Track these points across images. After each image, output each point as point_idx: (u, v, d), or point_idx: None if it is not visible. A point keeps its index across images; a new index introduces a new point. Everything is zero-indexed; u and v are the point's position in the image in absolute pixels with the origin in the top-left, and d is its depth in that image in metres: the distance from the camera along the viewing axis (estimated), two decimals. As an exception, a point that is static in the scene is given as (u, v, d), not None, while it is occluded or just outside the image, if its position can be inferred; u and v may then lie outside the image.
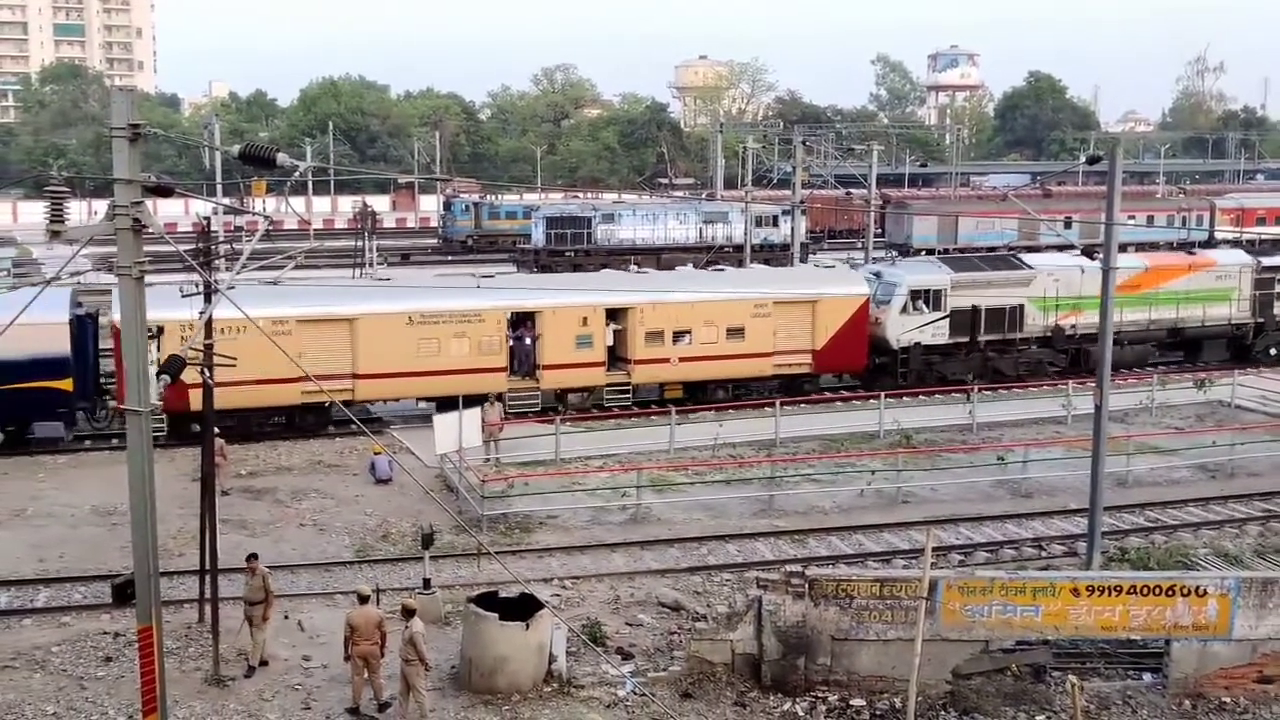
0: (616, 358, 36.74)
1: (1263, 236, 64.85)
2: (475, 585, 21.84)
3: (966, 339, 40.64)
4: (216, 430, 22.01)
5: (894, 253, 73.55)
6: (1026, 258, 43.83)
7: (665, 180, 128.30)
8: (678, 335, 36.69)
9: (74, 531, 25.63)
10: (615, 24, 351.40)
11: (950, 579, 18.60)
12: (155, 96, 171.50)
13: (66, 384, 31.24)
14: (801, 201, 56.62)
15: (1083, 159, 38.83)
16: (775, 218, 72.78)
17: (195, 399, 29.96)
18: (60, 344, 30.92)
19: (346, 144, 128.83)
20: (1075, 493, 28.25)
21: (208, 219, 29.57)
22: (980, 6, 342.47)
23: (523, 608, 18.23)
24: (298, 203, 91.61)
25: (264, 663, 18.94)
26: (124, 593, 12.27)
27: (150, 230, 11.70)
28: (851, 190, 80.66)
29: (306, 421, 33.67)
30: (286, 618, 20.70)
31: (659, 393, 37.25)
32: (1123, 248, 59.58)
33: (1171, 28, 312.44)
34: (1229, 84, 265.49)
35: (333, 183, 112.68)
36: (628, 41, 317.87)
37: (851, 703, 18.05)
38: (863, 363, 39.49)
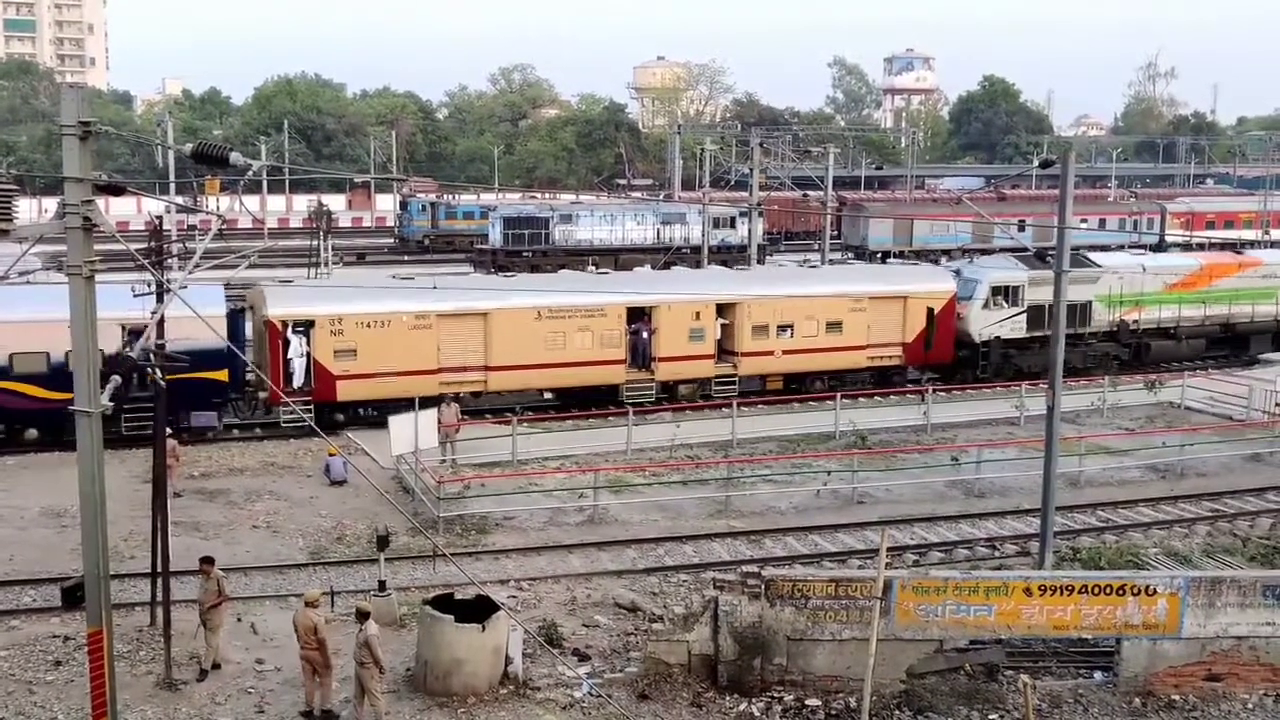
0: (723, 351, 38.40)
1: (1211, 240, 65.87)
2: (431, 587, 21.76)
3: (1041, 333, 41.89)
4: (169, 431, 21.77)
5: (850, 254, 74.04)
6: (1094, 256, 45.53)
7: (623, 181, 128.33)
8: (781, 329, 38.60)
9: (23, 534, 25.28)
10: (573, 24, 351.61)
11: (905, 579, 18.73)
12: (107, 94, 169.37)
13: (223, 375, 32.15)
14: (759, 203, 56.84)
15: (1036, 163, 39.61)
16: (733, 219, 72.98)
17: (343, 390, 32.83)
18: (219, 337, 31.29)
19: (302, 142, 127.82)
20: (1028, 493, 28.52)
21: (160, 218, 29.32)
22: (935, 9, 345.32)
23: (479, 609, 18.18)
24: (252, 202, 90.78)
25: (216, 666, 18.76)
26: (74, 596, 12.18)
27: (101, 229, 11.59)
28: (808, 192, 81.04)
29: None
30: (240, 620, 20.53)
31: (761, 384, 38.97)
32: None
33: (1124, 33, 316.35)
34: (1180, 89, 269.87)
35: (287, 182, 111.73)
36: (586, 42, 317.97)
37: (807, 703, 18.13)
38: (950, 355, 41.36)
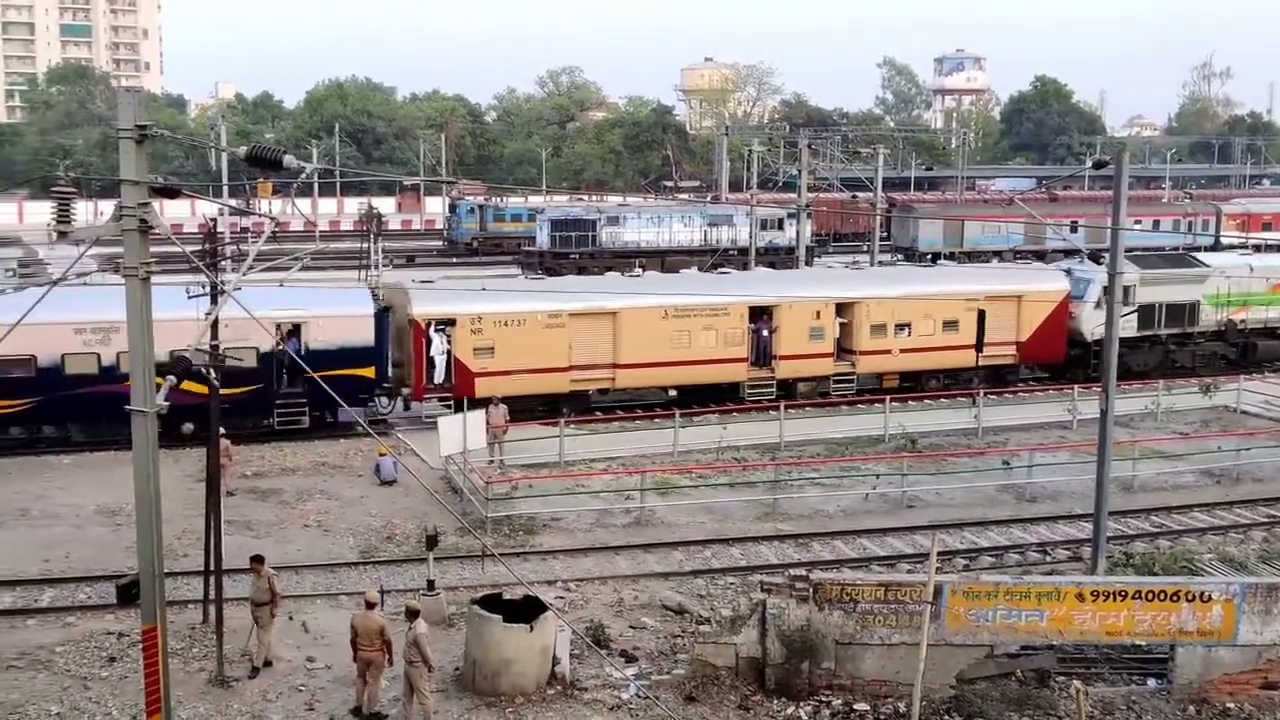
0: (842, 349, 38.97)
1: (1268, 242, 64.77)
2: (479, 587, 21.82)
3: (1150, 333, 42.72)
4: (223, 430, 22.01)
5: (899, 256, 73.54)
6: (1201, 256, 45.86)
7: (670, 183, 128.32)
8: (899, 328, 39.09)
9: (79, 532, 25.66)
10: (621, 26, 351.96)
11: (955, 583, 18.58)
12: (161, 97, 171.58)
13: (370, 372, 33.40)
14: (807, 204, 56.62)
15: (1089, 163, 39.64)
16: (780, 220, 72.72)
17: (481, 386, 34.00)
18: (367, 335, 33.31)
19: (352, 146, 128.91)
20: (1080, 498, 28.18)
21: (214, 220, 29.75)
22: (986, 8, 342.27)
23: (527, 610, 18.23)
24: (303, 204, 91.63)
25: (268, 663, 18.94)
26: (129, 593, 12.33)
27: (157, 231, 11.73)
28: (857, 193, 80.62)
29: (572, 408, 35.46)
30: (291, 619, 20.71)
31: (878, 382, 39.50)
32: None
33: (1178, 32, 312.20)
34: (1235, 89, 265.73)
35: (338, 184, 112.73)
36: (633, 44, 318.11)
37: (855, 707, 18.02)
38: (1063, 354, 41.63)
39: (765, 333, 37.79)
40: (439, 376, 34.45)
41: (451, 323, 34.26)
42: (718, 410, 36.44)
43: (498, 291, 37.85)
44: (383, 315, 34.30)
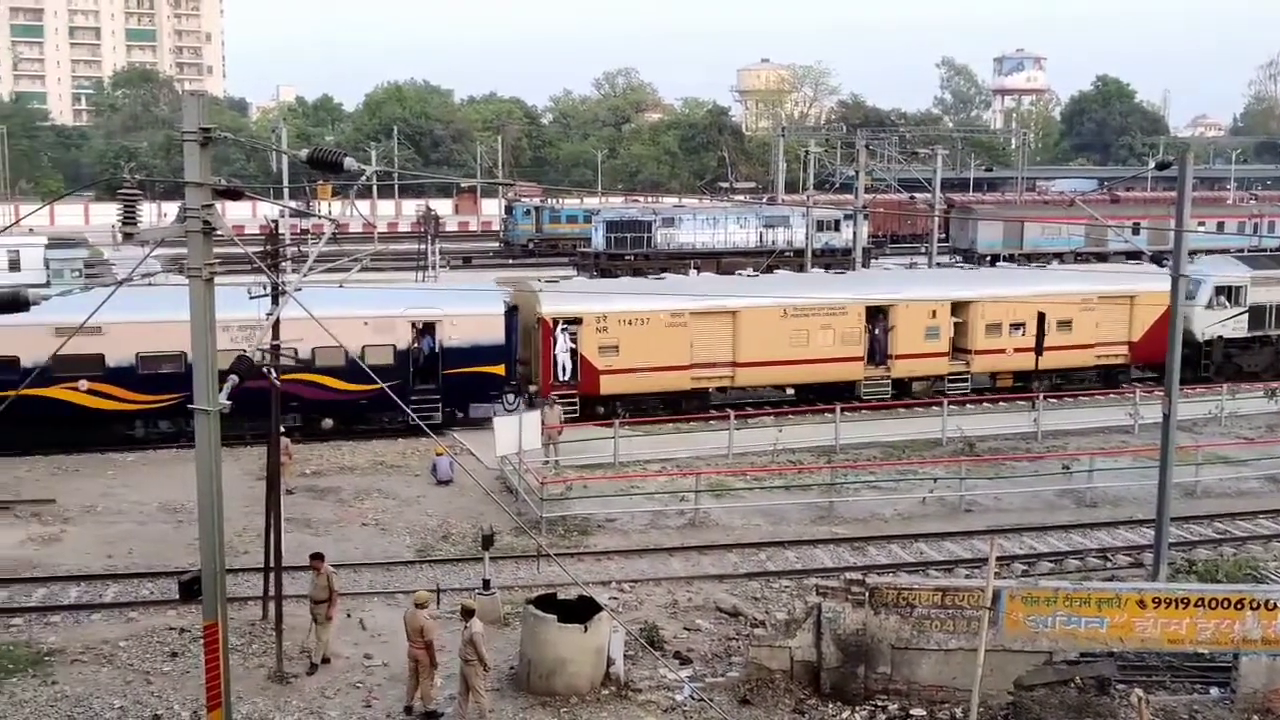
0: (956, 348, 39.28)
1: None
2: (534, 587, 21.94)
3: (1260, 333, 42.65)
4: (283, 430, 22.27)
5: (958, 258, 72.85)
6: None
7: (726, 184, 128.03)
8: (1014, 327, 39.13)
9: (142, 528, 26.08)
10: (677, 27, 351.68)
11: (1014, 589, 18.37)
12: (224, 101, 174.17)
13: (500, 369, 34.57)
14: (864, 206, 56.26)
15: (1152, 164, 39.33)
16: (837, 222, 72.30)
17: (605, 384, 35.12)
18: (498, 333, 34.44)
19: (410, 148, 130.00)
20: (1141, 503, 27.80)
21: (275, 222, 30.14)
22: (1046, 7, 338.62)
23: (581, 610, 18.28)
24: (362, 206, 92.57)
25: (326, 660, 19.14)
26: (191, 589, 12.48)
27: (220, 233, 11.88)
28: (915, 195, 79.96)
29: (692, 406, 36.37)
30: (349, 616, 20.91)
31: (991, 381, 39.81)
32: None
33: (1244, 31, 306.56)
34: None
35: (396, 186, 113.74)
36: (690, 45, 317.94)
37: (912, 712, 17.88)
38: None
39: (881, 332, 38.23)
40: (564, 374, 35.27)
41: (578, 321, 35.06)
42: (773, 412, 36.35)
43: (622, 291, 38.99)
44: (511, 314, 35.21)
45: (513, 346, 35.21)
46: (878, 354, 38.35)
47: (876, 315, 38.20)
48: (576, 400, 34.88)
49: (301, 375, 29.39)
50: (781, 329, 36.75)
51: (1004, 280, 42.34)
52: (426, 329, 33.98)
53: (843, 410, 34.02)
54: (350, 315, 31.80)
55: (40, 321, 29.27)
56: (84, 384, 30.64)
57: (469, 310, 34.32)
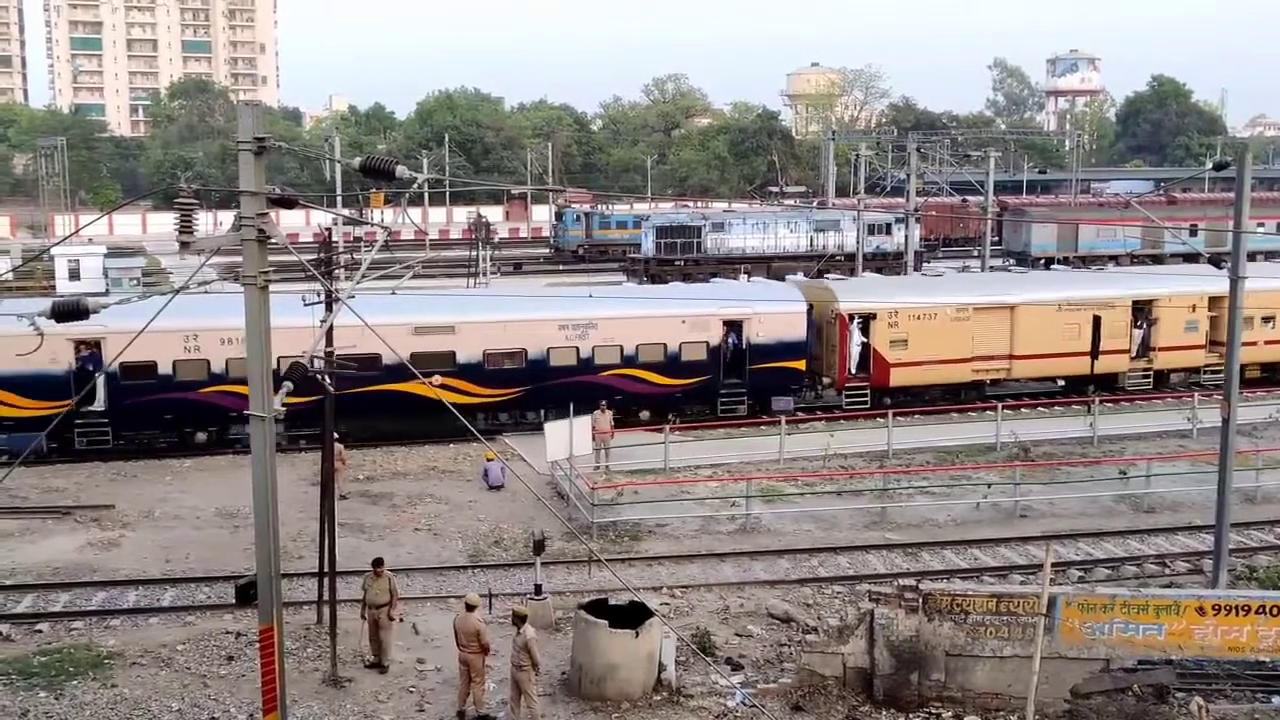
0: (1212, 341, 40.20)
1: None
2: (585, 592, 21.97)
3: None
4: (337, 435, 22.47)
5: (1011, 261, 72.11)
6: None
7: (776, 189, 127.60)
8: (1264, 320, 40.21)
9: (199, 533, 26.42)
10: (727, 32, 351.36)
11: (1070, 596, 18.16)
12: (278, 110, 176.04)
13: (801, 364, 36.31)
14: (916, 209, 55.87)
15: (1209, 165, 38.94)
16: (888, 225, 71.88)
17: (896, 376, 36.70)
18: (800, 329, 36.15)
19: (461, 155, 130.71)
20: (1200, 509, 27.39)
21: (329, 230, 30.56)
22: (1101, 9, 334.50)
23: (633, 615, 18.28)
24: (414, 213, 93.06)
25: (379, 665, 19.26)
26: (247, 593, 12.56)
27: (274, 241, 12.00)
28: (967, 197, 79.29)
29: (970, 397, 38.09)
30: (401, 621, 21.00)
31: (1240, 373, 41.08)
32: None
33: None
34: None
35: (448, 194, 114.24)
36: (739, 50, 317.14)
37: (966, 719, 17.73)
38: None
39: (1145, 326, 39.67)
40: (855, 367, 36.45)
41: (872, 317, 36.56)
42: (825, 417, 36.20)
43: (909, 287, 40.46)
44: (809, 312, 36.60)
45: (812, 342, 36.41)
46: (1141, 347, 39.78)
47: (1140, 310, 39.62)
48: (867, 392, 36.63)
49: (624, 370, 32.39)
50: (1055, 322, 38.19)
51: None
52: (734, 326, 35.30)
53: (894, 415, 33.82)
54: (669, 314, 33.98)
55: (399, 322, 30.61)
56: (437, 379, 31.47)
57: (775, 308, 35.78)
